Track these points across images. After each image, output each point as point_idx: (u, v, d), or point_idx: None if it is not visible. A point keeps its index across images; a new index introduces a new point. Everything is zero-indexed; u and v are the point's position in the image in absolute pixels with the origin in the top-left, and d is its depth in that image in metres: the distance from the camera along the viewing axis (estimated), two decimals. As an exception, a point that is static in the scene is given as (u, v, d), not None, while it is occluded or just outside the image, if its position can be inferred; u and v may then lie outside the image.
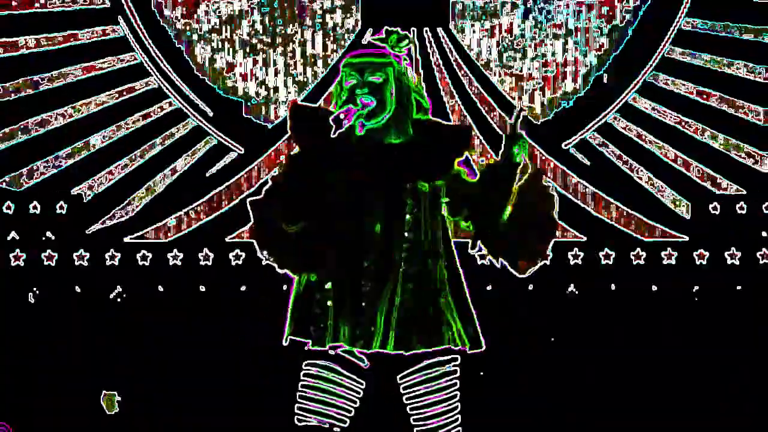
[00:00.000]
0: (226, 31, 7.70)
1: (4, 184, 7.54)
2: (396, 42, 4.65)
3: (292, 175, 4.52)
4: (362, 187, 4.53)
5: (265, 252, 4.61)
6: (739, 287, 7.53)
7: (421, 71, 7.66)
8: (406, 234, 4.57)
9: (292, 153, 4.63)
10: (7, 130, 7.58)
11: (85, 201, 7.58)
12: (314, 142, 4.53)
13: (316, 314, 4.57)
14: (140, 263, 7.59)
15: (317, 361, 4.62)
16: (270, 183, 4.59)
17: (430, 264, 4.62)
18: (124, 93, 7.67)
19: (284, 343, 4.66)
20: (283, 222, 4.51)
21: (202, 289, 7.56)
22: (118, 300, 7.51)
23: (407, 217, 4.58)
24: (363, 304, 4.52)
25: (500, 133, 7.72)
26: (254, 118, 7.68)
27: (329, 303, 4.56)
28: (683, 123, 7.70)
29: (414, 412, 4.71)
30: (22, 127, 7.59)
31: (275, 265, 4.63)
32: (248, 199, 4.65)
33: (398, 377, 4.67)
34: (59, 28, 7.63)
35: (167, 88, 7.67)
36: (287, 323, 4.64)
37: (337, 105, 4.62)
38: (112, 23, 7.68)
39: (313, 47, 7.71)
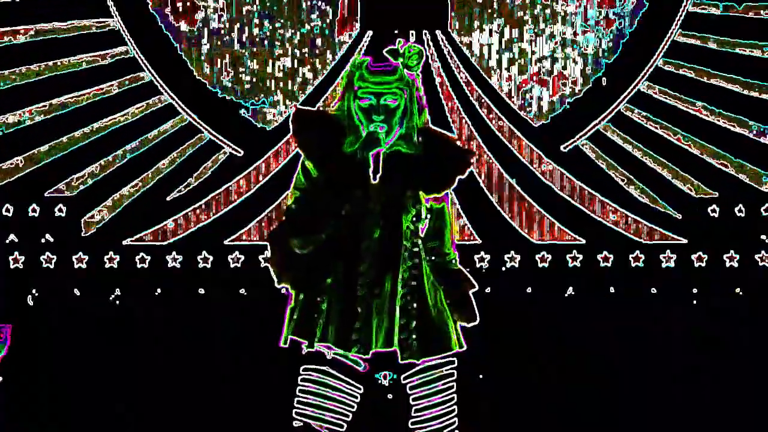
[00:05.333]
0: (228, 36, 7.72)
1: (55, 192, 7.56)
2: (412, 60, 4.67)
3: (304, 204, 4.59)
4: (367, 194, 4.56)
5: (281, 280, 4.66)
6: (738, 290, 7.53)
7: (421, 74, 7.65)
8: (405, 241, 4.60)
9: (298, 183, 4.66)
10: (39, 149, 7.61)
11: (86, 228, 7.60)
12: (321, 151, 4.59)
13: (312, 317, 4.59)
14: (139, 266, 7.59)
15: (314, 366, 4.64)
16: (285, 212, 4.67)
17: (423, 268, 4.65)
18: (135, 111, 7.69)
19: (283, 345, 4.67)
20: (296, 248, 4.57)
21: (201, 291, 7.56)
22: (117, 302, 7.52)
23: (406, 223, 4.61)
24: (360, 309, 4.54)
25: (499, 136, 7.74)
26: (256, 121, 7.68)
27: (324, 306, 4.58)
28: (684, 125, 7.71)
29: (413, 413, 4.73)
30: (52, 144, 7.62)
31: (286, 285, 4.68)
32: (267, 234, 4.73)
33: (402, 378, 4.70)
34: (68, 52, 7.64)
35: (171, 95, 7.68)
36: (285, 326, 4.66)
37: (346, 114, 4.63)
38: (116, 39, 7.70)
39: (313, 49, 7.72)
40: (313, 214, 4.57)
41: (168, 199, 7.63)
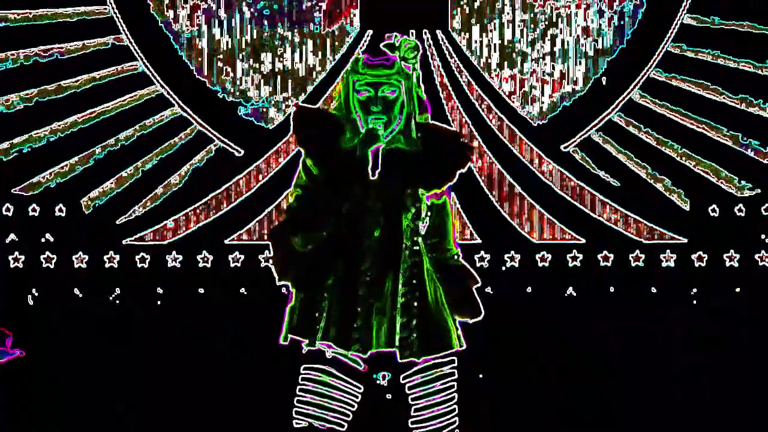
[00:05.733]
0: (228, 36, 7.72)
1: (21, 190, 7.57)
2: (408, 53, 4.67)
3: (305, 201, 4.60)
4: (367, 192, 4.56)
5: (282, 277, 4.67)
6: (738, 289, 7.54)
7: (420, 71, 7.65)
8: (405, 239, 4.60)
9: (299, 181, 4.67)
10: (18, 138, 7.60)
11: (85, 205, 7.59)
12: (321, 149, 4.59)
13: (313, 316, 4.59)
14: (139, 265, 7.59)
15: (314, 365, 4.64)
16: (286, 210, 4.69)
17: (424, 266, 4.65)
18: (127, 101, 7.68)
19: (282, 342, 4.68)
20: (298, 245, 4.58)
21: (201, 291, 7.56)
22: (117, 302, 7.52)
23: (406, 222, 4.61)
24: (360, 308, 4.55)
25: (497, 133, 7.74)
26: (256, 120, 7.69)
27: (324, 304, 4.58)
28: (683, 124, 7.71)
29: (413, 413, 4.73)
30: (33, 135, 7.60)
31: (287, 283, 4.69)
32: (268, 232, 4.74)
33: (401, 377, 4.71)
34: (64, 39, 7.64)
35: (168, 93, 7.68)
36: (285, 324, 4.67)
37: (343, 106, 4.64)
38: (114, 33, 7.70)
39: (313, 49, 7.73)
40: (314, 211, 4.57)
41: (166, 196, 7.64)
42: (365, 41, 7.67)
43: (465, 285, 4.75)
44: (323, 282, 4.58)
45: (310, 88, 7.71)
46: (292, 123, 4.72)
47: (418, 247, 4.64)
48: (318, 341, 4.57)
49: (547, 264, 7.63)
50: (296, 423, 4.68)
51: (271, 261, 4.73)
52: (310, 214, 4.58)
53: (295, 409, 4.69)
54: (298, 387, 4.68)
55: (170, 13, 7.70)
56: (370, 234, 4.56)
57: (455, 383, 4.74)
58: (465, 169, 4.69)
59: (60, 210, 7.57)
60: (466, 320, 4.74)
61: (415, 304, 4.59)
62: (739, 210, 7.60)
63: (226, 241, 7.61)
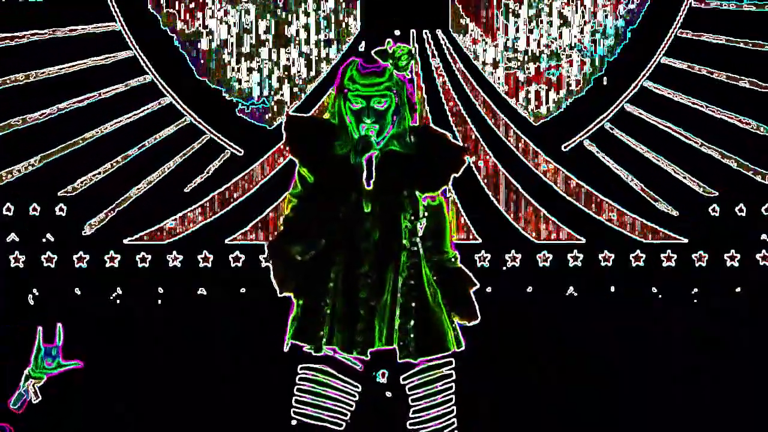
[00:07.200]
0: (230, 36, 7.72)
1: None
2: (401, 61, 4.67)
3: (302, 210, 4.61)
4: (364, 196, 4.57)
5: (283, 289, 4.68)
6: (738, 289, 7.53)
7: (420, 73, 7.67)
8: (404, 241, 4.61)
9: (294, 190, 4.68)
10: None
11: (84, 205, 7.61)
12: (314, 158, 4.61)
13: (317, 320, 4.60)
14: (140, 265, 7.59)
15: (312, 365, 4.65)
16: (283, 221, 4.70)
17: (422, 267, 4.66)
18: (121, 87, 7.69)
19: (285, 348, 4.69)
20: (297, 255, 4.59)
21: (202, 291, 7.57)
22: (117, 302, 7.52)
23: (405, 223, 4.62)
24: (361, 311, 4.55)
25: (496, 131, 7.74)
26: (256, 120, 7.69)
27: (328, 310, 4.59)
28: (683, 124, 7.71)
29: (411, 414, 4.74)
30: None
31: (289, 294, 4.70)
32: (266, 245, 4.73)
33: (401, 378, 4.72)
34: (73, 53, 7.64)
35: (169, 92, 7.68)
36: (288, 333, 4.68)
37: (336, 114, 4.65)
38: (113, 29, 7.70)
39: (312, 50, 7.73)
40: (311, 220, 4.58)
41: (166, 196, 7.64)
42: (365, 41, 7.67)
43: (462, 288, 4.76)
44: (324, 288, 4.59)
45: (310, 88, 7.71)
46: (284, 133, 4.73)
47: (416, 248, 4.65)
48: (324, 346, 4.58)
49: (547, 264, 7.63)
50: (294, 422, 4.69)
51: (271, 274, 4.73)
52: (307, 222, 4.59)
53: (293, 408, 4.70)
54: (296, 386, 4.69)
55: (170, 11, 7.70)
56: (368, 237, 4.57)
57: (453, 384, 4.75)
58: (459, 172, 4.70)
59: (60, 210, 7.57)
60: (464, 323, 4.75)
61: (413, 305, 4.60)
62: (740, 210, 7.60)
63: (227, 241, 7.61)
